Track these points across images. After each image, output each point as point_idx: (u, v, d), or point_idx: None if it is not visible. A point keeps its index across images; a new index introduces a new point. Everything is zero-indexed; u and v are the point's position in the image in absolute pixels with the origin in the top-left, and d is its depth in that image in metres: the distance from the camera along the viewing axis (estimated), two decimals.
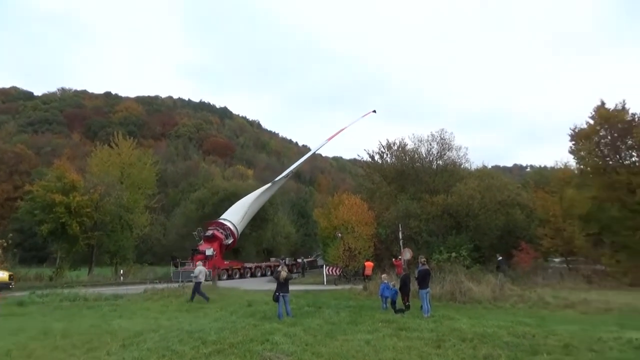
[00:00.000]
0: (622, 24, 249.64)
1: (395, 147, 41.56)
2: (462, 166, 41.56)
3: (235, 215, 40.35)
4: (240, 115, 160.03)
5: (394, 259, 28.80)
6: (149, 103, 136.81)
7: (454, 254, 24.73)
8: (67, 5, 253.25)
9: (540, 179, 45.19)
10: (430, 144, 40.23)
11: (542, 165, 65.65)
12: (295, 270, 40.09)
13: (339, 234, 32.14)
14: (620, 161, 28.76)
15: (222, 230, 38.33)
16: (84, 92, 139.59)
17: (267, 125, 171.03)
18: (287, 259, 45.55)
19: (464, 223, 33.74)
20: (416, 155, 40.73)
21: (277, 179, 46.53)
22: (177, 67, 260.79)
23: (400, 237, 28.65)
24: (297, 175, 67.10)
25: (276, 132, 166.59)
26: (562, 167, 38.02)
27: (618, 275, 25.34)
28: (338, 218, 33.01)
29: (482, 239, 32.61)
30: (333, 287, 27.29)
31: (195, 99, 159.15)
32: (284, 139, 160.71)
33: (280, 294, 14.39)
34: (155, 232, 53.49)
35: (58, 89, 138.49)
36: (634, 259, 25.82)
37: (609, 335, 10.98)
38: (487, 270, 24.71)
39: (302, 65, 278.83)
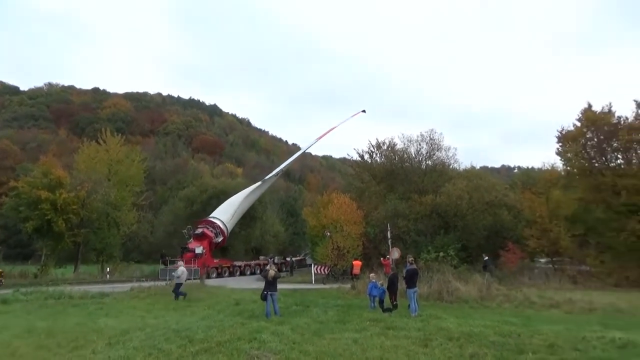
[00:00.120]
0: (611, 26, 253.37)
1: (385, 147, 41.83)
2: (451, 166, 42.00)
3: (225, 214, 40.20)
4: (230, 113, 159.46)
5: (382, 259, 28.93)
6: (138, 99, 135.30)
7: (441, 254, 24.90)
8: (57, 0, 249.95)
9: (528, 180, 45.69)
10: (420, 144, 40.61)
11: (530, 167, 66.49)
12: (284, 269, 40.07)
13: (328, 233, 32.20)
14: (606, 163, 29.22)
15: (211, 229, 38.17)
16: (72, 87, 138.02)
17: (256, 123, 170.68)
18: (277, 257, 45.51)
19: (452, 223, 34.01)
20: (405, 155, 41.01)
21: (267, 177, 46.45)
22: (167, 63, 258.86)
23: (389, 236, 28.76)
24: (286, 173, 67.00)
25: (266, 130, 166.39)
26: (549, 168, 38.51)
27: (602, 276, 25.73)
28: (327, 217, 33.06)
29: (470, 239, 32.90)
30: (321, 286, 27.35)
31: (185, 96, 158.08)
32: (273, 138, 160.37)
33: (269, 292, 14.37)
34: (143, 229, 52.97)
35: (45, 84, 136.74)
36: (618, 259, 26.25)
37: (593, 335, 11.14)
38: (475, 270, 24.93)
39: (293, 63, 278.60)
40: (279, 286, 15.84)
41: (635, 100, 28.50)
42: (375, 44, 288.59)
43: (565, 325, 12.75)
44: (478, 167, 52.83)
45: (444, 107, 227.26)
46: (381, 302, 16.11)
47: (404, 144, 41.20)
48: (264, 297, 14.49)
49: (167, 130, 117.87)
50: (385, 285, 16.51)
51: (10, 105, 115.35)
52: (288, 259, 44.65)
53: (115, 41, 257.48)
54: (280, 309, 14.91)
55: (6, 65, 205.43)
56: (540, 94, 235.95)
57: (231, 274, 37.91)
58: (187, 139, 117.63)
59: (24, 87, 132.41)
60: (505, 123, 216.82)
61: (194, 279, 28.87)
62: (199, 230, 37.49)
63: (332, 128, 50.94)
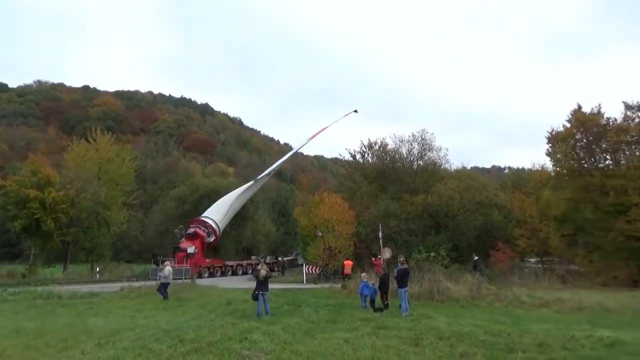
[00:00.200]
0: (601, 28, 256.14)
1: (377, 147, 41.93)
2: (442, 167, 42.20)
3: (217, 213, 40.12)
4: (222, 112, 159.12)
5: (373, 259, 28.99)
6: (129, 98, 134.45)
7: (432, 254, 25.02)
8: None
9: (518, 180, 46.06)
10: (411, 144, 40.77)
11: (520, 167, 67.02)
12: (276, 269, 40.04)
13: (319, 233, 32.21)
14: (595, 164, 29.52)
15: (204, 228, 38.09)
16: (61, 85, 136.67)
17: (248, 122, 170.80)
18: (269, 257, 45.46)
19: (443, 223, 34.18)
20: (397, 155, 41.15)
21: (259, 176, 46.37)
22: (158, 62, 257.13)
23: (380, 236, 28.84)
24: (278, 173, 66.93)
25: (258, 129, 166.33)
26: (539, 169, 38.93)
27: (591, 275, 25.98)
28: (318, 217, 33.07)
29: (461, 238, 33.09)
30: (313, 285, 27.36)
31: (176, 94, 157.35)
32: (265, 137, 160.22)
33: (260, 292, 14.35)
34: (133, 229, 52.67)
35: (34, 82, 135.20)
36: (606, 259, 26.53)
37: (582, 334, 11.25)
38: (465, 269, 25.11)
39: (285, 63, 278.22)
40: (271, 286, 15.83)
41: (624, 102, 28.89)
42: (370, 43, 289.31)
43: (555, 324, 12.87)
44: (469, 168, 53.13)
45: (438, 108, 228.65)
46: (372, 301, 16.17)
47: (396, 144, 41.43)
48: (255, 297, 14.47)
49: (158, 129, 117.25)
50: (377, 285, 16.58)
51: None
52: (280, 258, 44.61)
53: (105, 39, 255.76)
54: (272, 309, 14.89)
55: None
56: (532, 95, 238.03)
57: (223, 274, 37.81)
58: (179, 138, 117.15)
59: (12, 85, 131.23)
60: (497, 124, 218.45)
61: (185, 278, 28.73)
62: (191, 230, 37.36)
63: (323, 128, 51.03)
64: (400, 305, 15.05)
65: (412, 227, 33.67)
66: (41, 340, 10.76)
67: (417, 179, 39.31)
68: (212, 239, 38.46)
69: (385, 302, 16.10)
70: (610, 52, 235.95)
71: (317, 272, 32.43)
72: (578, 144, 30.02)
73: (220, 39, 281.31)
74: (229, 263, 40.10)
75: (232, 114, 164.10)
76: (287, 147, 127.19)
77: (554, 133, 31.38)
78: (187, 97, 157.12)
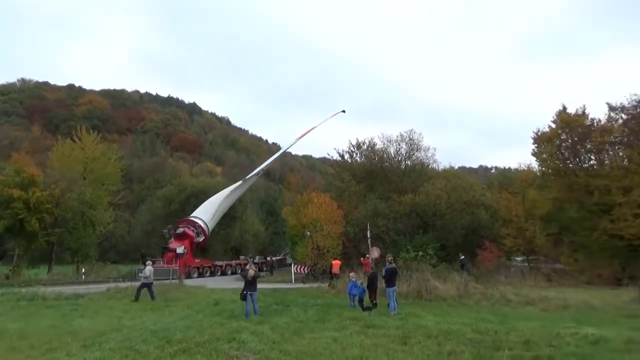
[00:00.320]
0: (584, 30, 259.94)
1: (365, 147, 42.04)
2: (430, 167, 42.44)
3: (206, 213, 40.00)
4: (210, 111, 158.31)
5: (362, 258, 29.07)
6: (114, 97, 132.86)
7: (420, 253, 25.13)
8: None
9: (504, 180, 46.60)
10: (399, 144, 40.92)
11: (506, 167, 67.70)
12: (265, 269, 39.96)
13: (308, 233, 32.19)
14: (580, 164, 29.98)
15: (193, 228, 37.94)
16: (46, 83, 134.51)
17: (236, 122, 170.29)
18: (258, 257, 45.35)
19: (430, 222, 34.40)
20: (385, 155, 41.30)
21: (248, 176, 46.22)
22: (145, 60, 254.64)
23: (369, 235, 28.93)
24: (266, 173, 66.76)
25: (245, 129, 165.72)
26: (525, 169, 39.33)
27: (576, 274, 26.36)
28: (307, 216, 33.04)
29: (448, 238, 33.35)
30: (301, 285, 27.36)
31: (163, 94, 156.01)
32: (253, 137, 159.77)
33: (248, 292, 14.32)
34: (120, 229, 52.00)
35: (18, 80, 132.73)
36: (590, 258, 26.95)
37: (567, 331, 11.39)
38: (453, 268, 25.27)
39: (273, 62, 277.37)
40: (259, 286, 15.78)
41: (607, 103, 29.38)
42: (357, 41, 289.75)
43: (540, 322, 13.03)
44: (456, 168, 53.65)
45: (425, 108, 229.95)
46: (361, 301, 16.20)
47: (384, 144, 41.56)
48: (243, 297, 14.44)
49: (145, 129, 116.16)
50: (365, 284, 16.62)
51: None
52: (268, 258, 44.53)
53: (91, 37, 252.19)
54: (260, 309, 14.86)
55: None
56: (519, 96, 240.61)
57: (212, 274, 37.72)
58: (166, 138, 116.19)
59: None
60: (484, 124, 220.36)
61: (173, 279, 28.57)
62: (180, 230, 37.24)
63: (312, 128, 51.03)
64: (388, 304, 15.11)
65: (400, 226, 33.83)
66: (25, 342, 10.60)
67: (405, 178, 39.51)
68: (201, 239, 38.32)
69: (374, 302, 16.14)
70: (595, 55, 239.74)
71: (306, 271, 32.44)
72: (563, 144, 30.46)
73: (208, 38, 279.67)
74: (218, 263, 39.98)
75: (220, 114, 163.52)
76: (275, 147, 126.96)
77: (539, 133, 31.81)
78: (174, 97, 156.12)
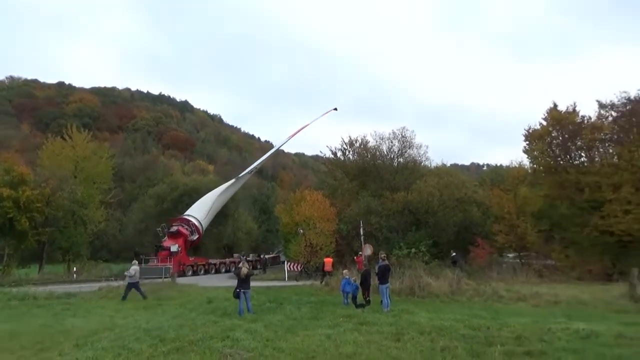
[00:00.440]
0: (578, 28, 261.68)
1: (357, 144, 42.08)
2: (422, 164, 42.55)
3: (199, 212, 39.97)
4: (201, 109, 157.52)
5: (355, 256, 29.11)
6: (105, 94, 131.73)
7: (413, 250, 25.24)
8: None
9: (496, 177, 46.81)
10: (392, 142, 41.01)
11: (498, 164, 67.98)
12: (258, 267, 39.92)
13: (301, 230, 32.19)
14: (570, 161, 30.21)
15: (187, 227, 37.84)
16: (35, 81, 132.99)
17: (228, 120, 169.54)
18: (251, 255, 45.26)
19: (423, 219, 34.53)
20: (377, 153, 41.36)
21: (241, 174, 46.13)
22: (136, 58, 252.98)
23: (362, 233, 28.98)
24: (259, 171, 66.59)
25: (238, 127, 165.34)
26: (517, 166, 39.55)
27: (567, 270, 26.55)
28: (300, 214, 33.03)
29: (441, 235, 33.50)
30: (294, 283, 27.35)
31: (155, 91, 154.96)
32: (245, 134, 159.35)
33: (241, 290, 14.31)
34: (111, 228, 51.79)
35: (6, 77, 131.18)
36: (581, 254, 27.18)
37: (558, 327, 11.49)
38: (445, 265, 25.46)
39: (265, 60, 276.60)
40: (252, 284, 15.76)
41: (598, 101, 29.60)
42: (355, 40, 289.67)
43: (532, 318, 13.13)
44: (448, 165, 53.79)
45: (418, 105, 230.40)
46: (354, 298, 16.25)
47: (376, 142, 41.64)
48: (236, 295, 14.41)
49: (136, 127, 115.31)
50: (358, 282, 16.66)
51: None
52: (261, 256, 44.47)
53: (81, 34, 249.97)
54: (254, 307, 14.84)
55: None
56: (513, 94, 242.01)
57: (206, 272, 37.66)
58: (157, 136, 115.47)
59: None
60: (475, 121, 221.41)
61: (167, 277, 28.46)
62: (174, 228, 37.17)
63: (304, 126, 51.04)
64: (381, 301, 15.15)
65: (393, 223, 33.93)
66: (16, 342, 10.50)
67: (397, 176, 39.61)
68: (195, 237, 38.29)
69: (367, 299, 16.18)
70: (587, 53, 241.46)
71: (299, 269, 32.46)
72: (554, 141, 30.65)
73: (200, 35, 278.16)
74: (212, 261, 39.91)
75: (211, 111, 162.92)
76: (267, 145, 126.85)
77: (531, 131, 31.99)
78: (165, 94, 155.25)
